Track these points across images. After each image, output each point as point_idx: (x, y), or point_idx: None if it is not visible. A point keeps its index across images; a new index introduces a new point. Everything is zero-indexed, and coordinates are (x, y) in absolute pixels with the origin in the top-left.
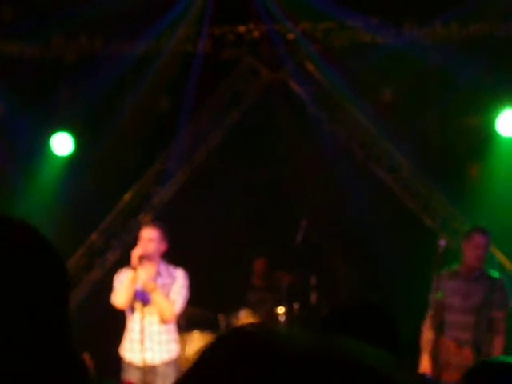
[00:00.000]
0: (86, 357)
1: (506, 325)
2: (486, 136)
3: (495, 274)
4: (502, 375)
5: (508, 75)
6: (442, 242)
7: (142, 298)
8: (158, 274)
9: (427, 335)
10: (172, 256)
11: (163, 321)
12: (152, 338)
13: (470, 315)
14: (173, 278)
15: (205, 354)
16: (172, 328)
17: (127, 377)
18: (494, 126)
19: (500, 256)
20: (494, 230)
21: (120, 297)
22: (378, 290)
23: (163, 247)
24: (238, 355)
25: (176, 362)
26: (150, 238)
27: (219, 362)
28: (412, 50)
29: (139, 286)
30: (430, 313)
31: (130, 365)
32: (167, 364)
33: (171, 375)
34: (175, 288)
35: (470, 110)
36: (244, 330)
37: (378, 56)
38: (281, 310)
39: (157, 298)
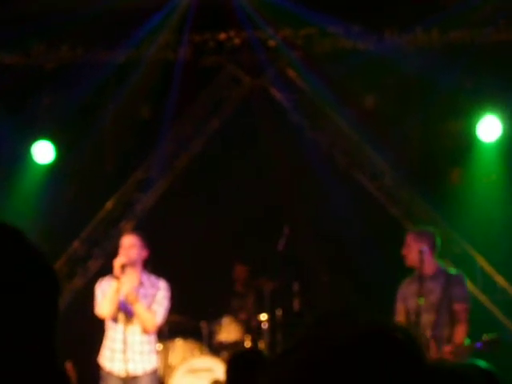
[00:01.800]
0: (69, 366)
1: (467, 315)
2: (466, 142)
3: (452, 270)
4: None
5: (488, 81)
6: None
7: (125, 309)
8: (141, 283)
9: None
10: (154, 263)
11: (145, 331)
12: (134, 348)
13: (430, 314)
14: (155, 289)
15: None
16: (153, 339)
17: None
18: (474, 132)
19: (481, 260)
20: (475, 235)
21: (105, 307)
22: (361, 296)
23: (144, 254)
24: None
25: (156, 373)
26: (131, 245)
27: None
28: (393, 57)
29: (122, 296)
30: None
31: (110, 374)
32: (148, 375)
33: None
34: (157, 299)
35: (450, 116)
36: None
37: (360, 62)
38: (263, 316)
39: (139, 309)
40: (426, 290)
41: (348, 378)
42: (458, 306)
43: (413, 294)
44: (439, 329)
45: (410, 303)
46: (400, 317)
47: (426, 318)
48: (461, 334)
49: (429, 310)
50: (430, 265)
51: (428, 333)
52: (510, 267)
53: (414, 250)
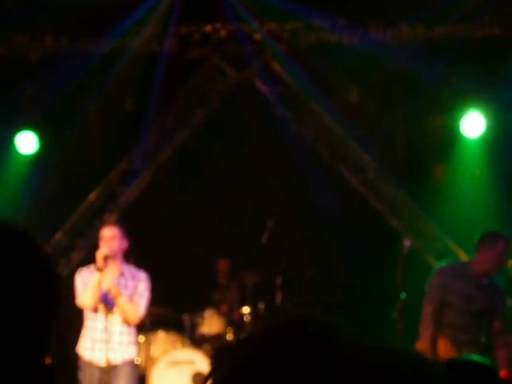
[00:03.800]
0: (47, 360)
1: (508, 337)
2: (450, 137)
3: (500, 282)
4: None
5: (473, 77)
6: (407, 243)
7: (106, 300)
8: (122, 274)
9: (429, 326)
10: (137, 255)
11: (127, 323)
12: (113, 338)
13: (471, 318)
14: (136, 280)
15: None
16: (132, 330)
17: (86, 376)
18: (458, 128)
19: (464, 256)
20: (458, 231)
21: (87, 298)
22: (343, 289)
23: (124, 245)
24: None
25: (135, 364)
26: (112, 237)
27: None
28: (378, 51)
29: (104, 288)
30: (434, 304)
31: (90, 364)
32: (127, 364)
33: (131, 376)
34: (139, 291)
35: (434, 111)
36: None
37: (344, 56)
38: (246, 309)
39: (121, 302)
40: (478, 295)
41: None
42: (498, 324)
43: (461, 292)
44: (479, 335)
45: (454, 301)
46: (432, 307)
47: (466, 322)
48: (504, 361)
49: (471, 315)
50: None
51: (467, 336)
52: None
53: None
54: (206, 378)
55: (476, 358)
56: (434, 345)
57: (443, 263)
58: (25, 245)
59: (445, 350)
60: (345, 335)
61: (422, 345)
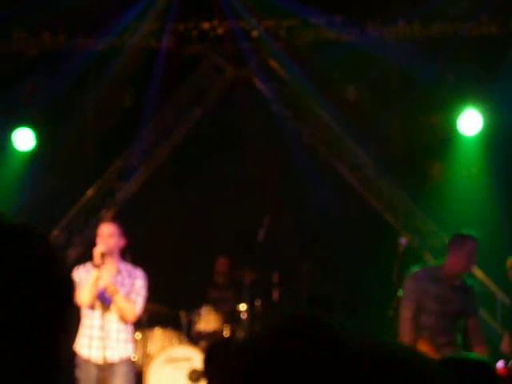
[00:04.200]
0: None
1: (484, 334)
2: (447, 135)
3: (470, 281)
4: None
5: (470, 75)
6: (403, 240)
7: (103, 298)
8: (118, 271)
9: (408, 331)
10: (134, 252)
11: (124, 321)
12: (110, 335)
13: (448, 321)
14: (133, 278)
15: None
16: (129, 328)
17: (83, 373)
18: (455, 126)
19: None
20: (455, 228)
21: (84, 296)
22: (340, 287)
23: (122, 243)
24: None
25: (132, 361)
26: (110, 234)
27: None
28: (375, 49)
29: (101, 286)
30: (408, 314)
31: (87, 362)
32: (125, 362)
33: (128, 374)
34: (136, 288)
35: (432, 109)
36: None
37: (342, 54)
38: (243, 307)
39: (118, 299)
40: (452, 296)
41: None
42: (473, 321)
43: (436, 296)
44: (457, 336)
45: (430, 305)
46: (410, 312)
47: (445, 324)
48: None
49: (448, 316)
50: None
51: (447, 338)
52: (488, 260)
53: None
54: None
55: (473, 355)
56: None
57: (417, 268)
58: (43, 248)
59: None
60: (349, 334)
61: None
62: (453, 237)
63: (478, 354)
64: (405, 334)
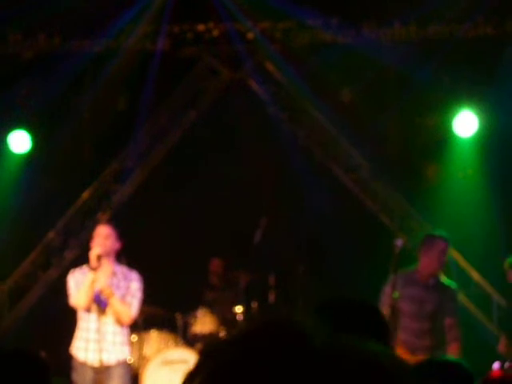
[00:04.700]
0: (42, 355)
1: (460, 331)
2: (443, 136)
3: (447, 281)
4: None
5: (465, 76)
6: (399, 242)
7: (99, 300)
8: (114, 274)
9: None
10: (129, 254)
11: (120, 323)
12: (106, 338)
13: (425, 322)
14: (128, 280)
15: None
16: (125, 330)
17: (79, 376)
18: (451, 127)
19: (456, 255)
20: (450, 229)
21: (81, 299)
22: (336, 288)
23: (118, 245)
24: (273, 347)
25: (128, 364)
26: (106, 235)
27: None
28: (371, 50)
29: (97, 288)
30: (385, 312)
31: (84, 365)
32: (121, 365)
33: (124, 376)
34: (132, 291)
35: (427, 111)
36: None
37: (338, 56)
38: (239, 309)
39: (114, 302)
40: (427, 297)
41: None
42: (450, 321)
43: (411, 297)
44: (435, 339)
45: (405, 306)
46: (387, 311)
47: (421, 326)
48: (455, 355)
49: (424, 318)
50: None
51: (424, 342)
52: (484, 261)
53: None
54: (190, 376)
55: (451, 358)
56: None
57: (398, 272)
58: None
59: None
60: (319, 337)
61: None
62: (424, 238)
63: (453, 351)
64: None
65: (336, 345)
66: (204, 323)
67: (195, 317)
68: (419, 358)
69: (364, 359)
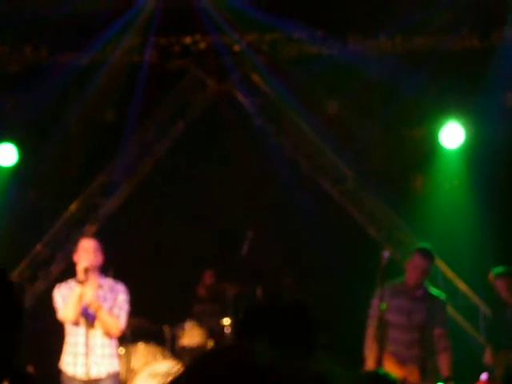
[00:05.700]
0: (30, 369)
1: (450, 341)
2: (429, 148)
3: (436, 292)
4: None
5: (451, 88)
6: (386, 254)
7: (86, 314)
8: (100, 286)
9: (372, 347)
10: (117, 266)
11: (109, 336)
12: (95, 351)
13: (414, 333)
14: (115, 292)
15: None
16: (114, 342)
17: None
18: (437, 139)
19: (443, 266)
20: (437, 241)
21: (69, 313)
22: (323, 300)
23: (102, 258)
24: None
25: (118, 376)
26: (92, 249)
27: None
28: (357, 62)
29: (85, 302)
30: (373, 324)
31: (72, 379)
32: (111, 377)
33: None
34: (119, 303)
35: (413, 122)
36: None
37: (324, 68)
38: (227, 321)
39: (102, 315)
40: (415, 308)
41: None
42: (440, 331)
43: (399, 309)
44: (424, 350)
45: (394, 318)
46: (376, 322)
47: (410, 337)
48: (446, 365)
49: (413, 329)
50: None
51: (413, 352)
52: (471, 273)
53: (426, 273)
54: None
55: (381, 371)
56: (379, 365)
57: (386, 285)
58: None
59: (389, 368)
60: (266, 361)
61: (368, 366)
62: (412, 251)
63: (444, 361)
64: (369, 351)
65: (286, 368)
66: (192, 336)
67: (183, 329)
68: (409, 368)
69: (309, 377)
